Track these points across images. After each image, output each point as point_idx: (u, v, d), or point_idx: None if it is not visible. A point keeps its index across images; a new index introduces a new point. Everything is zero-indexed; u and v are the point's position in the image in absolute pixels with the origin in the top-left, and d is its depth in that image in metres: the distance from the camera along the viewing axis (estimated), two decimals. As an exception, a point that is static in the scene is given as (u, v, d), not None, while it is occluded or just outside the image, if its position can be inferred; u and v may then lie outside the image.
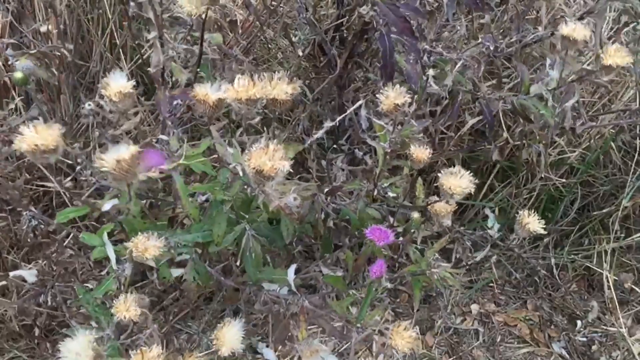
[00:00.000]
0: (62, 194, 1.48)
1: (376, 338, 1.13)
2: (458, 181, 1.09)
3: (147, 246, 0.93)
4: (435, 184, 1.26)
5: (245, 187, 1.02)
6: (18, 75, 1.07)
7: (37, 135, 0.84)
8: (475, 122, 1.61)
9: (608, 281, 1.82)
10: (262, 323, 1.66)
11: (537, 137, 1.56)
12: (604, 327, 1.79)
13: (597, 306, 1.81)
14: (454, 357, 1.71)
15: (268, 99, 0.96)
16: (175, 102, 1.14)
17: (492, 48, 1.37)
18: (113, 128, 1.01)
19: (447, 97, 1.40)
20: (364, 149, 1.57)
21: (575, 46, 1.18)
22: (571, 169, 1.85)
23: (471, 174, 1.10)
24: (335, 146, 1.64)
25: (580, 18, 1.35)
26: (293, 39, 1.66)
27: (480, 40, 1.39)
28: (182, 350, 1.50)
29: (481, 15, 1.54)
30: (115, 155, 0.83)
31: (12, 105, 1.40)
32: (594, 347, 1.75)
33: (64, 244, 1.32)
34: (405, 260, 1.48)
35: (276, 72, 0.96)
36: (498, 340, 1.77)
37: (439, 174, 1.11)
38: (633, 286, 1.86)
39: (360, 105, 1.30)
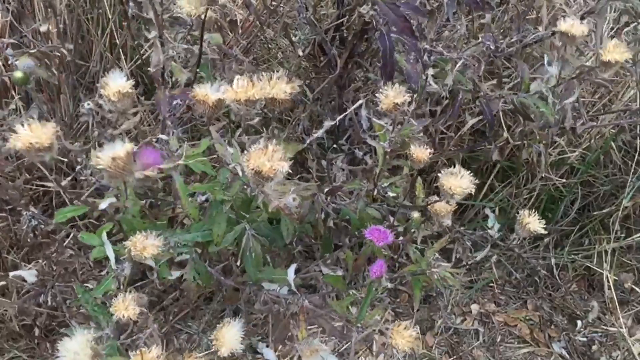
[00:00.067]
0: (62, 193, 1.48)
1: (376, 338, 1.13)
2: (458, 181, 1.09)
3: (146, 245, 0.93)
4: (435, 184, 1.26)
5: (245, 187, 1.01)
6: (18, 74, 1.07)
7: (32, 134, 0.84)
8: (476, 122, 1.61)
9: (608, 281, 1.82)
10: (262, 323, 1.66)
11: (537, 137, 1.56)
12: (604, 327, 1.79)
13: (597, 306, 1.81)
14: (454, 357, 1.71)
15: (267, 99, 0.96)
16: (175, 102, 1.14)
17: (492, 48, 1.37)
18: (112, 128, 1.01)
19: (448, 96, 1.40)
20: (364, 148, 1.57)
21: (574, 42, 1.17)
22: (571, 169, 1.85)
23: (471, 174, 1.10)
24: (335, 146, 1.64)
25: (581, 18, 1.35)
26: (293, 38, 1.66)
27: (480, 39, 1.38)
28: (182, 350, 1.51)
29: (482, 15, 1.54)
30: (111, 153, 0.83)
31: (12, 106, 1.40)
32: (594, 347, 1.75)
33: (64, 244, 1.32)
34: (405, 260, 1.48)
35: (276, 72, 0.96)
36: (498, 340, 1.77)
37: (439, 174, 1.11)
38: (633, 286, 1.86)
39: (360, 105, 1.30)
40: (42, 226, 1.18)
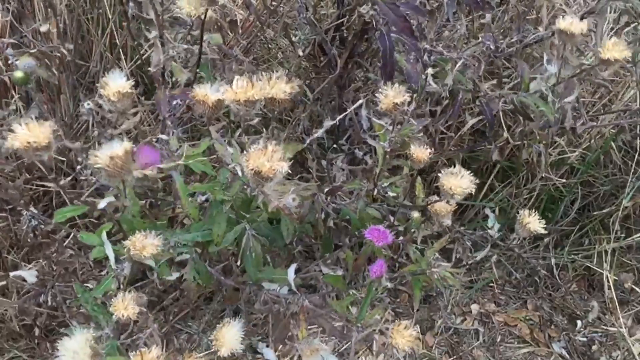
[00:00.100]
0: (62, 193, 1.48)
1: (376, 337, 1.13)
2: (459, 181, 1.09)
3: (145, 244, 0.93)
4: (435, 184, 1.26)
5: (245, 187, 1.02)
6: (18, 74, 1.07)
7: (29, 133, 0.84)
8: (476, 122, 1.61)
9: (608, 281, 1.82)
10: (262, 323, 1.66)
11: (537, 137, 1.56)
12: (604, 327, 1.79)
13: (597, 306, 1.80)
14: (454, 357, 1.71)
15: (267, 99, 0.96)
16: (175, 102, 1.14)
17: (492, 48, 1.37)
18: (112, 128, 1.01)
19: (448, 96, 1.40)
20: (364, 148, 1.57)
21: (573, 40, 1.17)
22: (571, 169, 1.84)
23: (471, 174, 1.10)
24: (335, 146, 1.64)
25: (581, 18, 1.35)
26: (293, 38, 1.65)
27: (480, 39, 1.38)
28: (182, 350, 1.51)
29: (482, 15, 1.53)
30: (109, 152, 0.83)
31: (12, 106, 1.40)
32: (594, 347, 1.75)
33: (64, 243, 1.32)
34: (405, 260, 1.48)
35: (275, 72, 0.96)
36: (498, 340, 1.77)
37: (439, 174, 1.11)
38: (633, 286, 1.86)
39: (360, 105, 1.30)
40: (42, 226, 1.18)
